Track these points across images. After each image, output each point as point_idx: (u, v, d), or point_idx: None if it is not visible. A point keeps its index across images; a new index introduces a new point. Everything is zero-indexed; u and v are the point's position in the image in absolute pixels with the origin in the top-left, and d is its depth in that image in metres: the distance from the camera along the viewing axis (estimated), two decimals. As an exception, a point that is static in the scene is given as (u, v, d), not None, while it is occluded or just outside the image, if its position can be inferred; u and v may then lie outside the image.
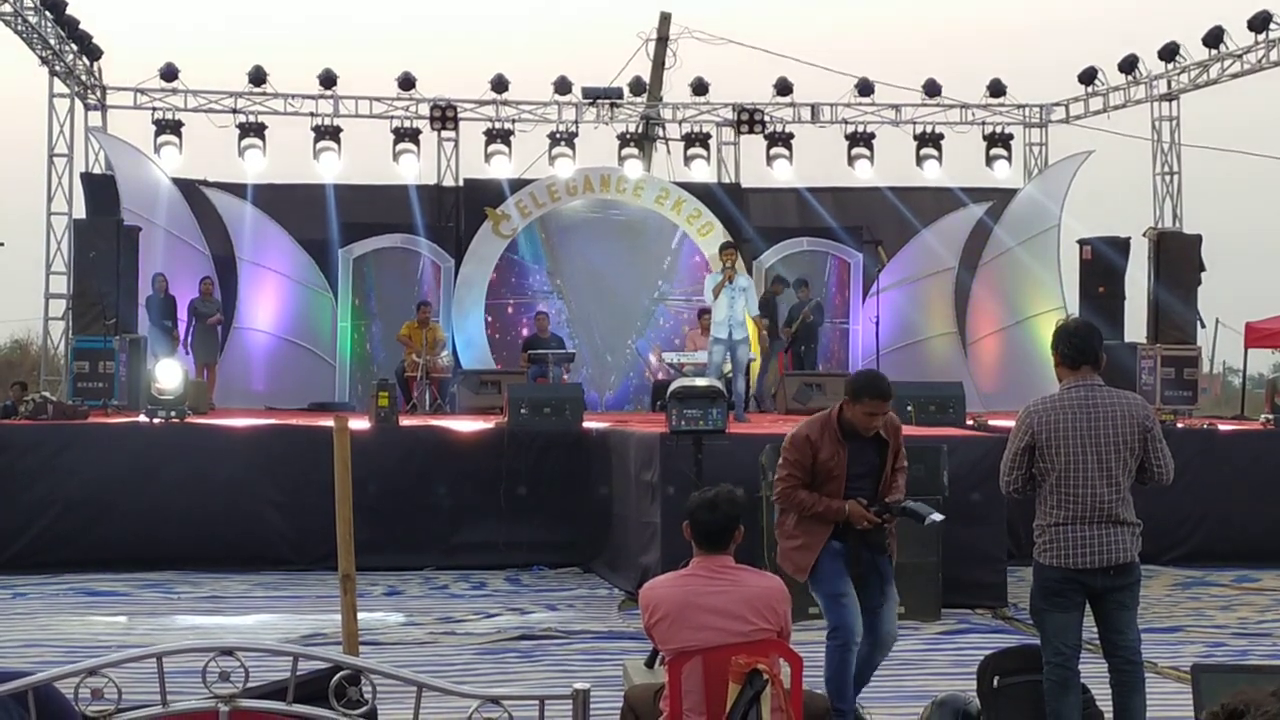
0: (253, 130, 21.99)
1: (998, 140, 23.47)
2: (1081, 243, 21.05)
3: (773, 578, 5.94)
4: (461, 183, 22.78)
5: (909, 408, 13.99)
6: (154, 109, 22.00)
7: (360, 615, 5.83)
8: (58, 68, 21.07)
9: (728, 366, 15.93)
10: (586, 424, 15.07)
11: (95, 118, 22.38)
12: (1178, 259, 19.81)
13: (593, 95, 22.79)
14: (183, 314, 20.12)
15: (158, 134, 21.73)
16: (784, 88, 23.16)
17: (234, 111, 22.16)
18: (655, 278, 22.16)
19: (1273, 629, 11.21)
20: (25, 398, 16.54)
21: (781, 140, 23.00)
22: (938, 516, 7.44)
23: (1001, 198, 23.34)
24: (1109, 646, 6.74)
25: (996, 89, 23.63)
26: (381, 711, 4.28)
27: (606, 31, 31.78)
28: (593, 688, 3.97)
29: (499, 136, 22.35)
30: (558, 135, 22.39)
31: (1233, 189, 58.06)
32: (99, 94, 22.31)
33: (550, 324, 20.43)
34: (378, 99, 22.68)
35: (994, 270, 22.90)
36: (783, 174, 23.18)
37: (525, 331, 20.86)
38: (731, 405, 14.03)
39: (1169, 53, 21.57)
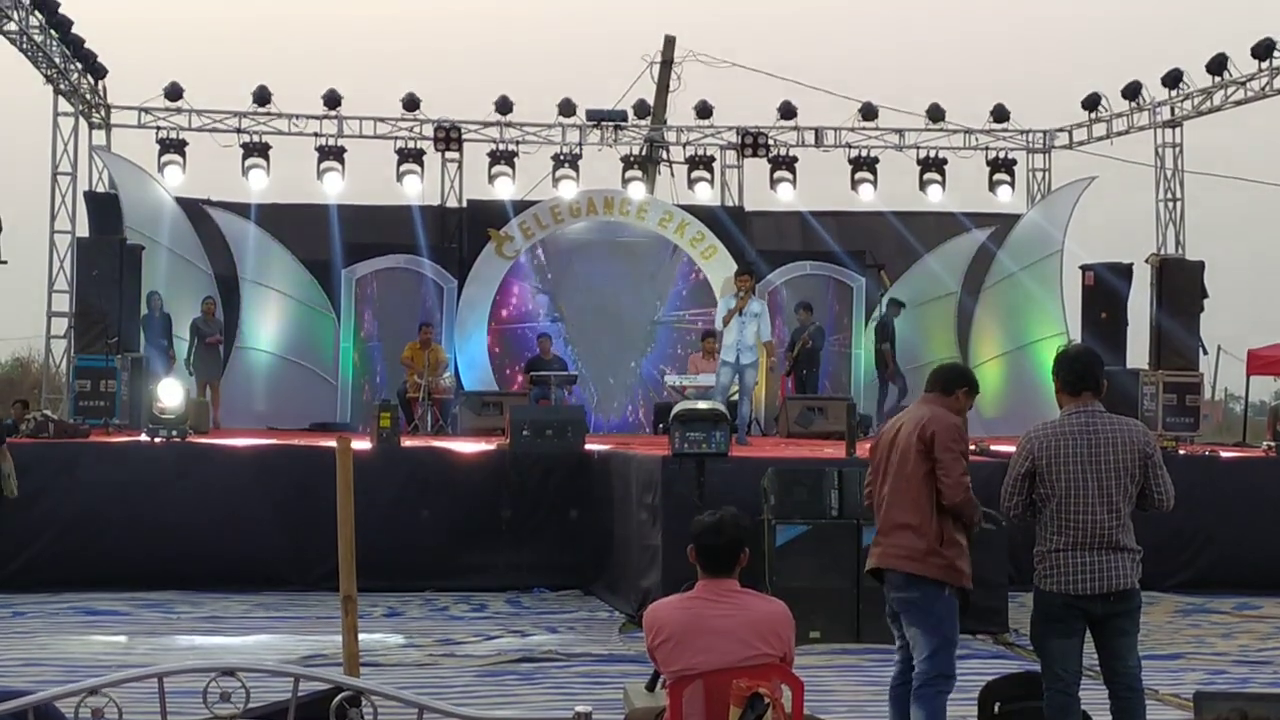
0: (256, 150, 22.01)
1: (1001, 165, 23.48)
2: (1084, 268, 21.06)
3: (777, 602, 5.93)
4: (465, 204, 22.82)
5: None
6: (158, 128, 22.01)
7: (360, 636, 5.81)
8: (62, 86, 21.11)
9: (734, 389, 15.94)
10: (588, 446, 15.06)
11: (99, 136, 22.40)
12: (1180, 285, 19.80)
13: (597, 117, 22.83)
14: (184, 333, 20.09)
15: (161, 153, 21.72)
16: (788, 111, 23.19)
17: (238, 131, 22.18)
18: (658, 300, 22.18)
19: (1273, 657, 11.18)
20: (27, 416, 16.55)
21: (785, 164, 23.02)
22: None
23: (1004, 223, 23.34)
24: (1109, 673, 6.73)
25: (1000, 114, 23.68)
26: (382, 733, 4.27)
27: (611, 54, 31.88)
28: (593, 711, 3.96)
29: (503, 158, 22.35)
30: (561, 157, 22.39)
31: (1235, 216, 58.08)
32: (103, 113, 22.34)
33: (552, 346, 20.45)
34: (382, 119, 22.71)
35: (996, 295, 22.89)
36: (786, 197, 23.20)
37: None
38: (735, 429, 14.02)
39: (1172, 79, 21.61)
